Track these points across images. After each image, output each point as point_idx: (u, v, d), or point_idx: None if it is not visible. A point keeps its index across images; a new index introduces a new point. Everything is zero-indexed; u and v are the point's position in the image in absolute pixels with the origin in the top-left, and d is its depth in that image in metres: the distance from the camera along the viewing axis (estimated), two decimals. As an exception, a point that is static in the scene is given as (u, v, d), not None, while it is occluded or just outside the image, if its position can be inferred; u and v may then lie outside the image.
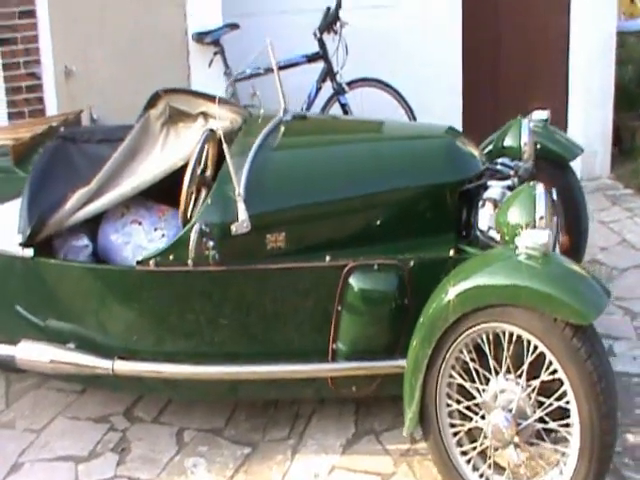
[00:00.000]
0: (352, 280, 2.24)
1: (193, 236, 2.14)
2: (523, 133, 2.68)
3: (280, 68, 3.93)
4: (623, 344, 2.93)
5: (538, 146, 2.86)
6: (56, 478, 2.49)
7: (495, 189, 2.31)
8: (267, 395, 2.54)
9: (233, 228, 2.24)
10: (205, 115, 2.63)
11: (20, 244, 2.48)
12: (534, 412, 1.93)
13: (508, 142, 2.71)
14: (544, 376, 1.89)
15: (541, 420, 1.94)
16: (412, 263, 2.21)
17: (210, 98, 2.60)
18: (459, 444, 2.08)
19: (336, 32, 3.88)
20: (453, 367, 2.03)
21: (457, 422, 2.06)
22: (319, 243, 2.29)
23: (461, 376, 2.02)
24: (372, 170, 2.38)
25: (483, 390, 1.99)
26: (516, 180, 2.36)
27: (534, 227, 2.01)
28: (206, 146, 2.41)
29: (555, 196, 2.46)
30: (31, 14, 3.67)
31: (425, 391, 2.04)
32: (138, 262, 2.34)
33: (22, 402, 2.96)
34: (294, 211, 2.33)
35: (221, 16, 3.89)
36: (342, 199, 2.34)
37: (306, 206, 2.34)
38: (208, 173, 2.48)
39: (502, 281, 1.89)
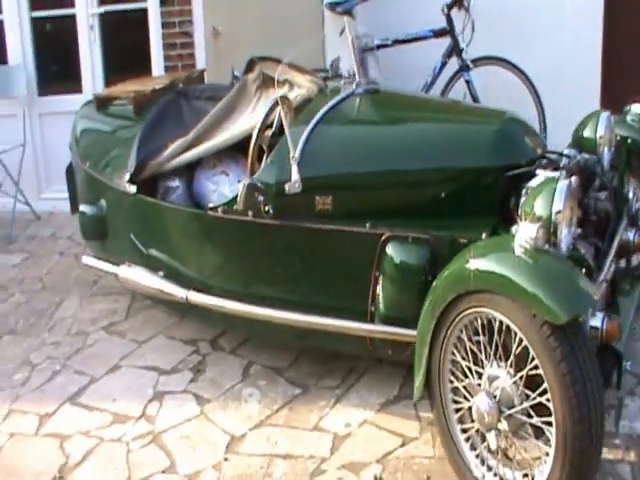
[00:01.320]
0: (388, 249, 2.35)
1: (243, 190, 2.36)
2: (600, 126, 2.56)
3: (407, 41, 4.04)
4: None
5: (629, 140, 2.71)
6: (141, 383, 2.94)
7: (540, 178, 2.25)
8: (311, 343, 2.75)
9: (286, 187, 2.45)
10: (290, 83, 2.81)
11: (127, 181, 2.90)
12: (521, 403, 1.92)
13: (586, 134, 2.60)
14: (527, 369, 1.87)
15: (530, 413, 1.93)
16: (444, 240, 2.26)
17: (296, 68, 2.77)
18: (460, 421, 2.14)
19: (466, 8, 3.81)
20: (455, 345, 2.07)
21: (460, 399, 2.11)
22: (362, 210, 2.42)
23: (464, 355, 2.05)
24: (419, 148, 2.44)
25: (479, 373, 2.02)
26: (564, 172, 2.25)
27: (550, 220, 1.95)
28: (279, 109, 2.59)
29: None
30: (186, -22, 4.08)
31: (430, 364, 2.12)
32: (210, 208, 2.63)
33: (137, 317, 3.48)
34: (341, 178, 2.49)
35: (355, -14, 4.00)
36: (387, 172, 2.45)
37: (352, 174, 2.49)
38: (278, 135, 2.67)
39: (489, 268, 1.90)
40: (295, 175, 2.45)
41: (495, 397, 1.96)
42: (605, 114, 2.63)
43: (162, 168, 2.92)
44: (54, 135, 4.67)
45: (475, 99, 4.00)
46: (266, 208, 2.50)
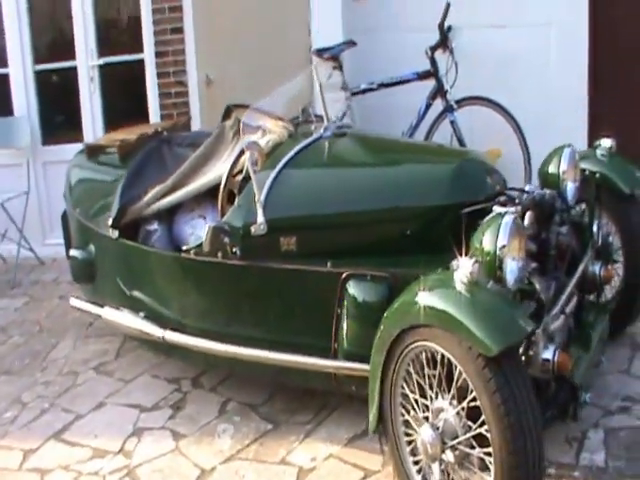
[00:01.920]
0: (348, 287, 2.46)
1: (207, 233, 2.50)
2: (563, 161, 2.65)
3: (392, 84, 4.19)
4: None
5: (597, 175, 2.80)
6: (122, 419, 3.07)
7: (492, 214, 2.34)
8: (283, 380, 2.86)
9: (252, 229, 2.58)
10: (262, 129, 2.97)
11: (110, 226, 3.06)
12: (464, 434, 2.00)
13: (550, 169, 2.69)
14: (467, 401, 1.95)
15: (473, 445, 2.00)
16: (401, 277, 2.34)
17: (268, 114, 2.94)
18: (413, 453, 2.21)
19: (450, 50, 3.97)
20: (405, 378, 2.16)
21: (411, 432, 2.19)
22: (324, 250, 2.54)
23: (413, 389, 2.14)
24: (378, 189, 2.57)
25: (427, 406, 2.10)
26: (519, 208, 2.35)
27: (495, 255, 2.05)
28: (249, 154, 2.74)
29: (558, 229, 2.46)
30: (180, 31, 4.34)
31: (382, 397, 2.20)
32: (183, 251, 2.77)
33: (126, 357, 3.62)
34: (304, 219, 2.63)
35: (342, 34, 4.19)
36: (347, 213, 2.58)
37: (314, 216, 2.62)
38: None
39: (429, 302, 1.99)
40: (260, 217, 2.59)
41: (438, 429, 2.04)
42: (568, 149, 2.72)
43: (142, 213, 3.09)
44: (57, 183, 4.84)
45: (460, 140, 4.13)
46: (234, 250, 2.64)
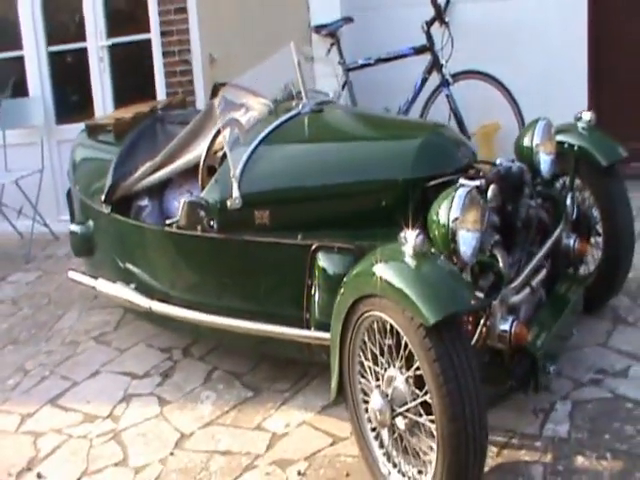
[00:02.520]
0: (317, 259, 2.53)
1: (182, 208, 2.60)
2: (536, 134, 2.66)
3: (389, 59, 4.21)
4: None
5: (575, 148, 2.80)
6: (114, 386, 3.21)
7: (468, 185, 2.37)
8: (260, 349, 2.96)
9: (228, 203, 2.67)
10: (245, 106, 3.04)
11: (102, 202, 3.18)
12: (412, 402, 2.06)
13: (525, 142, 2.71)
14: (413, 369, 2.01)
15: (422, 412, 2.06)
16: (366, 249, 2.37)
17: (250, 91, 3.01)
18: (369, 420, 2.28)
19: (446, 25, 3.97)
20: (361, 347, 2.23)
21: (368, 399, 2.26)
22: (295, 223, 2.62)
23: (368, 357, 2.21)
24: (346, 163, 2.63)
25: (381, 374, 2.17)
26: (483, 181, 2.39)
27: (448, 227, 2.10)
28: (226, 131, 2.81)
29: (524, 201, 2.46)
30: (183, 10, 4.40)
31: (342, 366, 2.27)
32: (166, 225, 2.88)
33: (125, 328, 3.77)
34: (276, 193, 2.71)
35: (339, 11, 4.22)
36: (317, 187, 2.65)
37: (286, 190, 2.71)
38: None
39: (378, 273, 2.05)
40: (235, 192, 2.67)
41: (387, 396, 2.11)
42: (542, 122, 2.72)
43: (133, 189, 3.21)
44: (71, 161, 5.04)
45: (456, 113, 4.14)
46: (211, 223, 2.73)
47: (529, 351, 2.31)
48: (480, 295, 2.23)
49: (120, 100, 4.93)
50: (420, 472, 2.14)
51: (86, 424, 2.98)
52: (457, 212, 2.12)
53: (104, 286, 3.28)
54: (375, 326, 2.16)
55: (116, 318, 3.93)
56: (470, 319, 2.24)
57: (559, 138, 2.86)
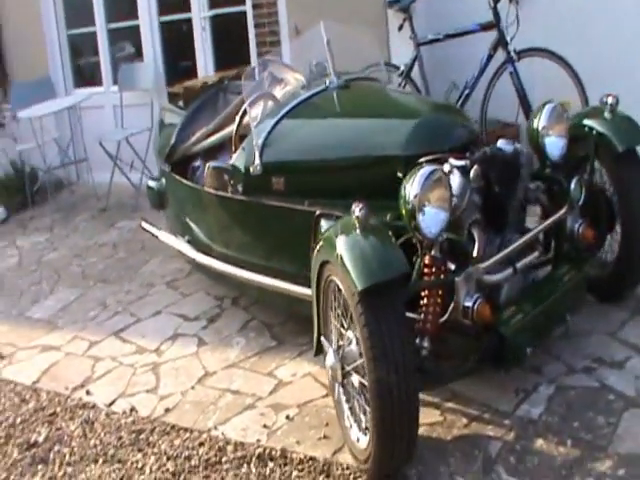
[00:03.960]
0: (320, 224, 2.70)
1: (207, 172, 2.88)
2: (543, 117, 2.63)
3: (457, 35, 4.21)
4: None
5: (594, 132, 2.74)
6: (168, 325, 3.64)
7: (446, 166, 2.44)
8: (270, 303, 3.22)
9: (251, 169, 2.92)
10: (284, 81, 3.24)
11: (163, 162, 3.56)
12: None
13: (534, 125, 2.68)
14: (357, 331, 2.16)
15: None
16: None
17: (288, 67, 3.20)
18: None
19: (516, 1, 3.88)
20: (332, 308, 2.40)
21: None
22: (304, 191, 2.82)
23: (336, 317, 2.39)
24: (352, 139, 2.78)
25: (343, 334, 2.34)
26: (467, 162, 2.43)
27: (409, 204, 2.21)
28: (262, 103, 3.04)
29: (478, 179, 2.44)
30: (273, -16, 4.63)
31: (319, 322, 2.47)
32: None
33: (194, 276, 4.16)
34: (291, 163, 2.93)
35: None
36: (325, 159, 2.83)
37: (299, 160, 2.91)
38: None
39: (331, 241, 2.22)
40: (257, 159, 2.92)
41: (339, 354, 2.29)
42: (550, 105, 2.69)
43: (190, 151, 3.55)
44: (177, 120, 5.51)
45: (519, 91, 4.05)
46: (237, 186, 3.00)
47: (498, 330, 2.36)
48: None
49: (220, 66, 5.30)
50: (367, 430, 2.31)
51: (136, 355, 3.43)
52: (417, 190, 2.21)
53: (164, 236, 3.69)
54: (336, 289, 2.34)
55: (189, 267, 4.36)
56: (440, 293, 2.34)
57: (582, 122, 2.81)
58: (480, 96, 4.22)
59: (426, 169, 2.25)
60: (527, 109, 4.02)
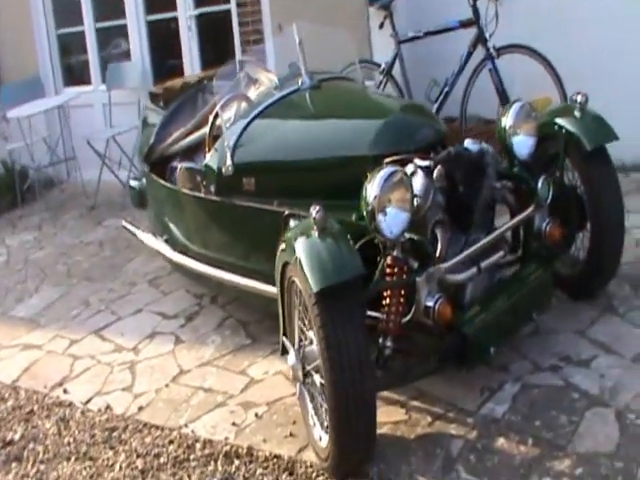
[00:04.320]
0: (289, 225, 2.67)
1: (179, 172, 2.90)
2: (509, 116, 2.64)
3: (437, 32, 4.22)
4: (611, 360, 2.66)
5: (564, 130, 2.75)
6: (147, 324, 3.67)
7: (409, 167, 2.45)
8: (246, 302, 3.22)
9: (223, 170, 2.95)
10: (258, 81, 3.25)
11: (142, 161, 3.58)
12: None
13: (500, 123, 2.68)
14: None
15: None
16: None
17: (262, 67, 3.22)
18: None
19: None
20: (295, 309, 2.42)
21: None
22: (274, 191, 2.84)
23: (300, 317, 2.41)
24: (319, 140, 2.80)
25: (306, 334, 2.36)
26: (431, 163, 2.44)
27: (369, 205, 2.22)
28: (235, 104, 3.06)
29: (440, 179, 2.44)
30: (256, -17, 4.65)
31: (284, 322, 2.49)
32: None
33: (175, 275, 4.15)
34: (260, 163, 2.95)
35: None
36: (294, 160, 2.85)
37: (268, 161, 2.93)
38: None
39: (291, 242, 2.25)
40: (228, 160, 2.94)
41: (300, 354, 2.31)
42: (518, 104, 2.69)
43: (167, 152, 3.57)
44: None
45: (498, 88, 4.04)
46: (210, 187, 3.02)
47: (460, 329, 2.37)
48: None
49: (207, 64, 5.32)
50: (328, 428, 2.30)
51: (114, 353, 3.46)
52: (377, 191, 2.22)
53: (143, 236, 3.73)
54: (297, 289, 2.36)
55: (171, 265, 4.39)
56: (403, 293, 2.35)
57: (552, 120, 2.80)
58: (460, 93, 4.22)
59: (386, 170, 2.26)
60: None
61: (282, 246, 2.38)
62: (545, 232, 2.66)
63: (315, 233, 2.17)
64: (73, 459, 2.74)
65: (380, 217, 2.24)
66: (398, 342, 2.35)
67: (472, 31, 4.09)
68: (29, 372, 3.47)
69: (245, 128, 2.98)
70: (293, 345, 2.47)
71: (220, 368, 3.13)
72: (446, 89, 4.22)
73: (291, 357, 2.36)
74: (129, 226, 4.03)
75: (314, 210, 2.17)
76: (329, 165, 2.76)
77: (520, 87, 3.92)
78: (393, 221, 2.26)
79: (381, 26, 4.43)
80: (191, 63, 5.41)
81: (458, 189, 2.53)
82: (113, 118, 5.72)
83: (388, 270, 2.31)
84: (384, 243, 2.32)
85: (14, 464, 2.80)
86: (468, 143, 2.62)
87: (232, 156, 2.93)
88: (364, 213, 2.29)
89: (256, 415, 2.75)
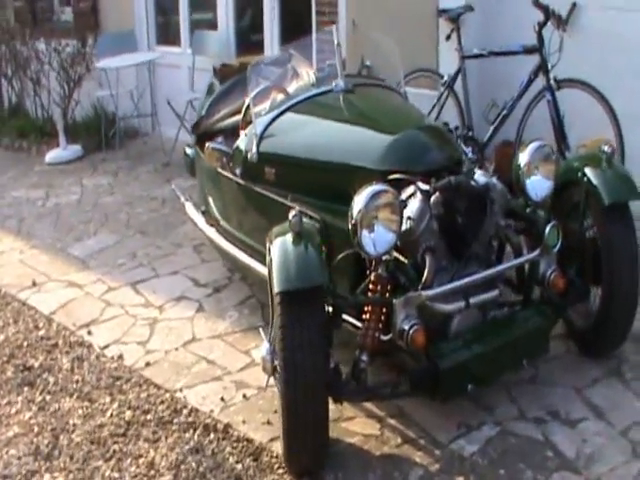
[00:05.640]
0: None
1: (209, 151, 2.99)
2: (523, 155, 2.53)
3: (500, 53, 4.11)
4: (599, 426, 2.52)
5: (585, 179, 2.64)
6: (179, 286, 3.82)
7: (408, 189, 2.45)
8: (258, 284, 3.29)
9: (248, 156, 3.03)
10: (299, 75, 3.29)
11: (190, 133, 3.72)
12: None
13: (516, 161, 2.57)
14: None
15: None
16: (328, 222, 2.54)
17: (306, 63, 3.27)
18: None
19: (563, 28, 3.72)
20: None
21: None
22: (289, 185, 2.89)
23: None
24: (336, 145, 2.82)
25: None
26: (430, 188, 2.40)
27: (353, 219, 2.23)
28: (272, 94, 3.14)
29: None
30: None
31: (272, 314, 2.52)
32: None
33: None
34: (282, 156, 3.00)
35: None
36: (311, 160, 2.88)
37: (289, 156, 2.98)
38: None
39: (270, 240, 2.33)
40: (254, 148, 3.03)
41: (271, 348, 2.35)
42: (535, 144, 2.57)
43: (213, 128, 3.70)
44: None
45: (554, 121, 3.86)
46: (236, 170, 3.14)
47: (432, 360, 2.33)
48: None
49: (285, 38, 5.36)
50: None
51: (142, 308, 3.64)
52: (361, 206, 2.21)
53: (185, 203, 3.87)
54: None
55: (218, 234, 4.53)
56: (384, 311, 2.33)
57: (576, 166, 2.69)
58: (518, 118, 4.07)
59: (374, 188, 2.25)
60: (561, 140, 3.86)
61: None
62: (549, 279, 2.55)
63: (290, 237, 2.23)
64: (75, 397, 2.94)
65: (364, 233, 2.23)
66: (374, 358, 2.35)
67: (536, 58, 3.94)
68: (65, 308, 3.71)
69: (274, 119, 3.04)
70: (268, 338, 2.48)
71: (228, 344, 3.25)
72: (504, 112, 4.08)
73: (263, 349, 2.38)
74: (177, 191, 4.19)
75: (291, 215, 2.21)
76: (340, 171, 2.76)
77: (579, 124, 3.78)
78: (378, 239, 2.25)
79: (448, 38, 4.32)
80: (271, 42, 5.49)
81: (456, 219, 2.47)
82: (195, 82, 5.87)
83: (371, 286, 2.32)
84: (370, 259, 2.32)
85: (26, 388, 3.02)
86: (478, 175, 2.56)
87: (258, 144, 3.01)
88: (349, 226, 2.27)
89: (244, 396, 2.84)
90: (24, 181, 5.83)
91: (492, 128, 4.14)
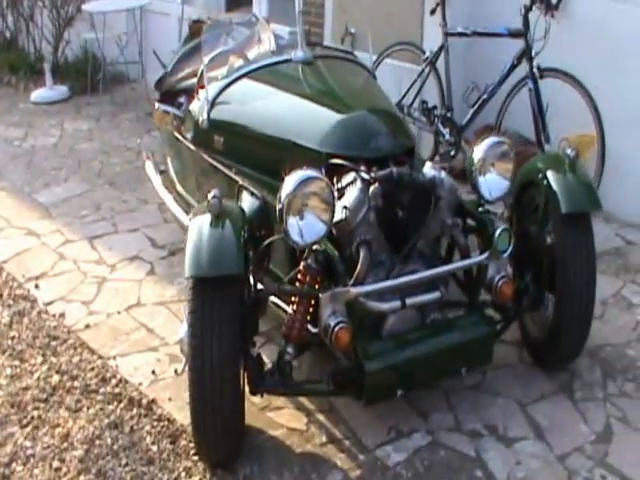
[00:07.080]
0: (240, 194, 2.55)
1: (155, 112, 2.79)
2: (477, 151, 2.31)
3: (484, 34, 3.81)
4: (536, 448, 2.30)
5: (545, 182, 2.41)
6: (135, 245, 3.61)
7: (348, 176, 2.24)
8: None
9: (199, 121, 2.83)
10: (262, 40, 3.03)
11: (154, 89, 3.49)
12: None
13: (470, 157, 2.35)
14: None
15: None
16: (265, 200, 2.40)
17: (272, 30, 3.04)
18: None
19: (551, 14, 3.42)
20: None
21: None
22: (236, 157, 2.69)
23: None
24: (285, 120, 2.56)
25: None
26: (370, 177, 2.18)
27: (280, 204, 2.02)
28: (231, 59, 2.93)
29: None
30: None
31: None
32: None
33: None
34: (231, 126, 2.78)
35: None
36: (259, 132, 2.64)
37: (238, 125, 2.76)
38: None
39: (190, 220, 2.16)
40: (205, 114, 2.81)
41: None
42: (493, 139, 2.34)
43: (174, 87, 3.48)
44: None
45: (535, 110, 3.57)
46: (187, 135, 2.94)
47: (358, 361, 2.14)
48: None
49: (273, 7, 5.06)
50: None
51: (93, 264, 3.46)
52: (288, 191, 2.01)
53: (146, 162, 3.67)
54: None
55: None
56: (312, 302, 2.14)
57: (539, 168, 2.46)
58: (499, 103, 3.79)
59: (305, 173, 2.02)
60: (541, 131, 3.57)
61: None
62: (496, 285, 2.32)
63: (207, 218, 2.04)
64: (7, 354, 2.79)
65: (291, 220, 2.02)
66: (299, 350, 2.18)
67: (520, 42, 3.63)
68: (18, 257, 3.54)
69: (228, 86, 2.80)
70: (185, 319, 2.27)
71: (171, 312, 3.07)
72: (484, 96, 3.78)
73: (182, 330, 2.17)
74: (142, 147, 3.98)
75: (210, 195, 2.02)
76: (284, 148, 2.50)
77: (562, 116, 3.51)
78: (307, 228, 2.04)
79: (432, 12, 3.99)
80: (259, 1, 5.19)
81: (397, 213, 2.25)
82: (183, 33, 5.50)
83: (300, 276, 2.12)
84: (300, 248, 2.11)
85: (-43, 341, 2.88)
86: (426, 168, 2.33)
87: (209, 111, 2.79)
88: (277, 212, 2.05)
89: (175, 372, 2.65)
90: (5, 118, 5.58)
91: (472, 111, 3.85)
